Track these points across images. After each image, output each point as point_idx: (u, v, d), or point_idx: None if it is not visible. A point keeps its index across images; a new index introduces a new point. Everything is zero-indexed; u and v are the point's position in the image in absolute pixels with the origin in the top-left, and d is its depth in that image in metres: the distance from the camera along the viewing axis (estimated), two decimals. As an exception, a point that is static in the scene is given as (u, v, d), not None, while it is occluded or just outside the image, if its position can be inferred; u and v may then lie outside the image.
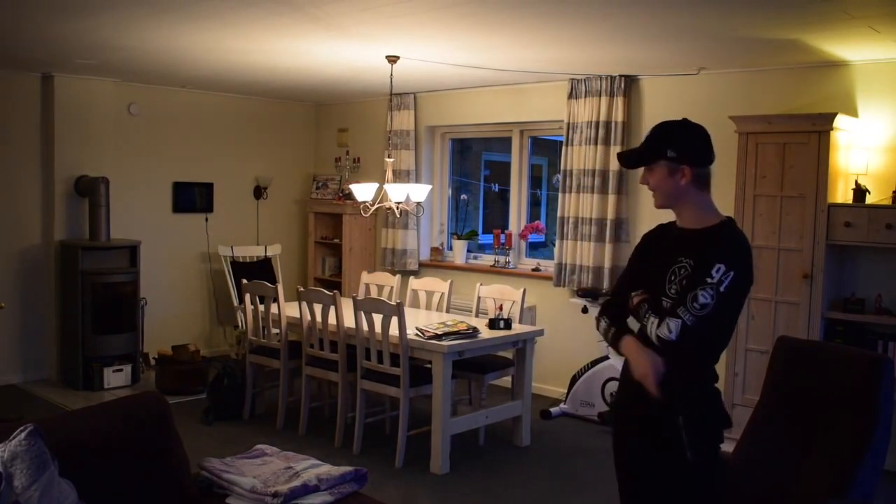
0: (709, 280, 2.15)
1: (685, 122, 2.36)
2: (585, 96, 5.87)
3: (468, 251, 7.05)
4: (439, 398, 4.47)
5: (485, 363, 5.00)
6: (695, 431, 2.23)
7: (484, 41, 4.66)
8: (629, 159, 2.49)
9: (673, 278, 2.27)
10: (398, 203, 5.25)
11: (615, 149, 5.71)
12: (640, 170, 2.45)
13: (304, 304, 5.02)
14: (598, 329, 2.48)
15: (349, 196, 6.84)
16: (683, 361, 2.23)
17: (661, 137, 2.33)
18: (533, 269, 6.49)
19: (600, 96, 5.78)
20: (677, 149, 2.28)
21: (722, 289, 2.15)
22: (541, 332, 5.16)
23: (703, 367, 2.31)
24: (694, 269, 2.22)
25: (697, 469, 2.24)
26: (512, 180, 6.79)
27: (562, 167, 6.05)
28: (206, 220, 7.36)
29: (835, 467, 2.52)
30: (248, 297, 5.42)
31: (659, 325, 2.20)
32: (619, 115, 5.71)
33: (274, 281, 6.56)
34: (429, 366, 4.59)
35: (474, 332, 4.64)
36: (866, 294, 4.70)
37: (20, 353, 6.36)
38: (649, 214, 5.72)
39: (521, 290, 5.25)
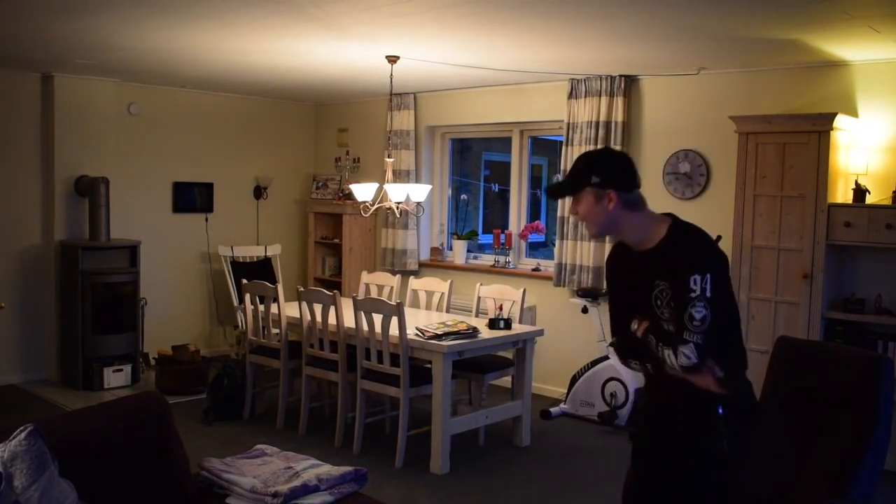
0: (692, 295, 2.16)
1: (607, 149, 2.48)
2: (585, 96, 5.87)
3: (468, 251, 7.05)
4: (439, 398, 4.47)
5: (485, 363, 5.00)
6: (732, 422, 2.24)
7: (484, 41, 4.66)
8: (556, 192, 2.64)
9: (659, 303, 2.27)
10: (398, 203, 5.25)
11: (616, 148, 5.71)
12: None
13: (304, 304, 5.02)
14: (637, 370, 2.49)
15: (349, 196, 6.84)
16: (716, 363, 2.23)
17: (585, 166, 2.37)
18: (533, 269, 6.49)
19: (600, 96, 5.78)
20: (601, 174, 2.31)
21: (708, 294, 2.16)
22: (541, 332, 5.16)
23: (733, 355, 2.31)
24: (673, 290, 2.22)
25: (733, 459, 2.26)
26: (512, 180, 6.79)
27: (562, 167, 6.05)
28: (206, 220, 7.36)
29: (835, 467, 2.52)
30: (248, 297, 5.42)
31: (676, 356, 2.19)
32: (619, 115, 5.71)
33: (274, 281, 6.56)
34: (429, 366, 4.59)
35: (474, 332, 4.64)
36: (866, 294, 4.70)
37: (20, 353, 6.36)
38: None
39: (521, 290, 5.25)
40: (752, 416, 2.37)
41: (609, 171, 2.33)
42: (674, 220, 2.34)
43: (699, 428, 2.27)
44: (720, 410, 2.22)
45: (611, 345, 2.52)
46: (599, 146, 5.76)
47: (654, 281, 2.28)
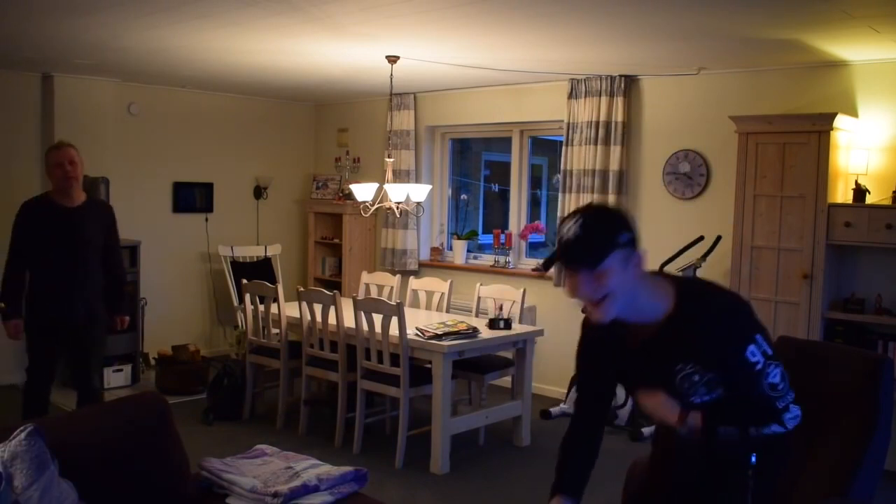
0: (759, 368, 1.88)
1: (607, 204, 2.07)
2: (585, 96, 5.87)
3: (468, 251, 7.05)
4: (439, 398, 4.47)
5: (485, 363, 5.00)
6: (763, 471, 2.01)
7: (484, 41, 4.66)
8: (573, 260, 1.83)
9: (689, 388, 1.95)
10: (398, 203, 5.25)
11: (615, 149, 5.71)
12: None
13: (304, 304, 5.02)
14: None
15: (349, 196, 6.84)
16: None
17: (609, 223, 1.83)
18: (533, 269, 6.49)
19: (600, 96, 5.78)
20: (631, 230, 1.82)
21: (769, 352, 1.90)
22: (541, 332, 5.15)
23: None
24: (722, 372, 1.90)
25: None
26: (512, 180, 6.79)
27: (562, 167, 6.05)
28: (206, 220, 7.36)
29: (835, 467, 2.51)
30: (248, 297, 5.42)
31: (784, 425, 1.93)
32: (619, 115, 5.71)
33: (274, 281, 6.56)
34: (429, 366, 4.59)
35: (474, 332, 4.64)
36: (866, 294, 4.70)
37: (20, 353, 6.33)
38: (648, 215, 5.72)
39: (521, 290, 5.25)
40: (783, 460, 2.13)
41: (634, 225, 1.84)
42: (677, 288, 1.93)
43: (727, 483, 2.03)
44: (753, 459, 1.98)
45: (576, 406, 2.27)
46: (600, 146, 5.77)
47: (674, 367, 1.92)
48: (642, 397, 2.02)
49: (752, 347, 1.88)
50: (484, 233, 7.37)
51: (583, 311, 1.97)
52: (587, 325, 2.13)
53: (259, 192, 7.76)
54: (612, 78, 5.73)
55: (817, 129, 4.57)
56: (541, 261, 6.49)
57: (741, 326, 1.90)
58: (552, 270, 6.13)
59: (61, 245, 4.20)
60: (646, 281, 1.90)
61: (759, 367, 1.88)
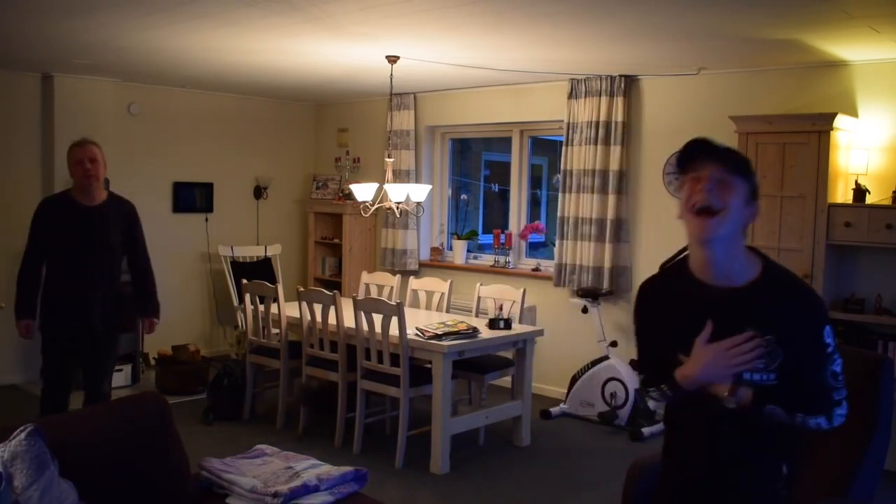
0: (829, 350, 1.90)
1: None
2: (585, 96, 5.87)
3: (468, 251, 7.05)
4: (439, 398, 4.47)
5: (485, 363, 5.00)
6: (792, 481, 2.00)
7: (484, 41, 4.66)
8: (716, 151, 1.89)
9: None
10: (398, 203, 5.25)
11: (615, 149, 5.71)
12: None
13: (304, 304, 5.02)
14: (651, 405, 2.17)
15: (349, 196, 6.84)
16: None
17: (745, 160, 1.96)
18: (533, 269, 6.49)
19: (600, 96, 5.78)
20: (757, 181, 1.95)
21: (836, 342, 1.93)
22: (541, 332, 5.15)
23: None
24: (792, 345, 1.87)
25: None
26: (512, 180, 6.79)
27: (562, 167, 6.05)
28: (206, 220, 7.36)
29: (835, 467, 2.51)
30: (248, 297, 5.42)
31: (831, 419, 1.92)
32: (619, 115, 5.71)
33: (274, 281, 6.56)
34: (429, 366, 4.59)
35: (474, 332, 4.64)
36: (866, 294, 4.70)
37: (20, 353, 6.35)
38: (648, 215, 5.72)
39: (521, 290, 5.25)
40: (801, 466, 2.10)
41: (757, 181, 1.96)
42: (764, 259, 1.98)
43: (759, 494, 1.99)
44: (784, 469, 1.97)
45: (642, 387, 2.12)
46: (600, 146, 5.77)
47: (741, 328, 1.87)
48: (699, 351, 1.90)
49: (828, 328, 1.91)
50: (484, 233, 7.37)
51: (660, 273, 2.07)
52: (652, 285, 2.11)
53: (259, 192, 7.76)
54: (612, 78, 5.73)
55: (817, 129, 4.57)
56: (538, 261, 6.52)
57: (822, 308, 1.96)
58: (552, 270, 6.14)
59: (79, 245, 4.06)
60: (744, 242, 1.94)
61: (829, 349, 1.90)
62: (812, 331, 1.90)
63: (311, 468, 2.80)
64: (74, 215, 4.06)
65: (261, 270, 7.15)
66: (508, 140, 6.81)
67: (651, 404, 1.93)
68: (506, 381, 5.36)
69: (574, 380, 5.72)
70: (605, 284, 5.73)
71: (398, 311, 4.50)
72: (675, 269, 2.06)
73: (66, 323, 4.09)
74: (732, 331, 1.87)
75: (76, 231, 4.06)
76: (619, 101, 5.72)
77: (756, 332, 1.86)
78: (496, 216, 7.39)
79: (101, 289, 4.14)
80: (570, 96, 5.96)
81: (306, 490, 2.62)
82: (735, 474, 1.97)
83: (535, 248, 6.92)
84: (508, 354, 5.22)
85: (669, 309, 2.04)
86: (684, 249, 2.01)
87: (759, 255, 1.98)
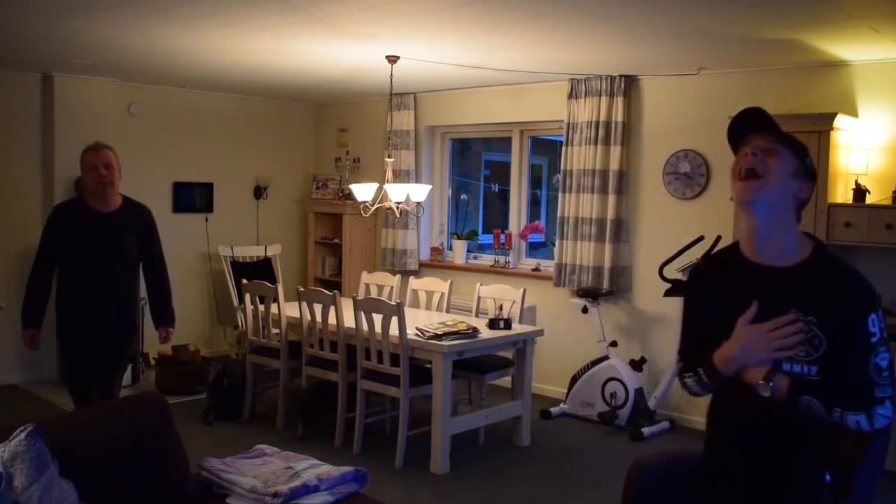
0: (874, 340, 1.82)
1: None
2: (585, 96, 5.87)
3: (468, 251, 7.05)
4: (439, 398, 4.47)
5: (485, 363, 5.00)
6: (836, 491, 1.93)
7: (484, 41, 4.66)
8: (766, 121, 2.03)
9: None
10: (398, 203, 5.25)
11: (615, 149, 5.71)
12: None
13: (304, 304, 5.02)
14: (689, 392, 2.07)
15: (349, 196, 6.84)
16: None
17: (799, 141, 1.99)
18: (533, 269, 6.50)
19: (600, 96, 5.78)
20: (814, 167, 1.97)
21: (885, 334, 1.84)
22: (541, 332, 5.15)
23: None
24: (834, 330, 1.81)
25: None
26: (512, 180, 6.79)
27: (562, 167, 6.05)
28: (206, 220, 7.36)
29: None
30: (248, 297, 5.42)
31: (872, 419, 1.83)
32: (619, 115, 5.71)
33: (274, 281, 6.56)
34: (429, 366, 4.59)
35: (474, 332, 4.64)
36: (866, 294, 4.69)
37: (20, 353, 6.35)
38: (648, 215, 5.72)
39: (521, 290, 5.25)
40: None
41: (815, 171, 2.01)
42: (816, 242, 1.95)
43: (798, 500, 1.92)
44: (828, 478, 1.90)
45: (680, 375, 2.09)
46: (600, 146, 5.77)
47: (786, 308, 1.84)
48: (739, 331, 1.87)
49: (873, 316, 1.83)
50: (484, 233, 7.38)
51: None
52: (702, 268, 2.13)
53: (259, 192, 7.76)
54: (612, 78, 5.73)
55: (817, 129, 4.57)
56: (538, 261, 6.52)
57: (869, 293, 1.87)
58: (552, 270, 6.14)
59: (92, 253, 3.90)
60: (795, 221, 1.92)
61: (874, 339, 1.82)
62: (855, 315, 1.82)
63: (311, 468, 2.80)
64: (89, 222, 3.91)
65: (261, 270, 7.15)
66: (508, 140, 6.81)
67: (685, 392, 1.85)
68: (506, 381, 5.35)
69: (574, 380, 5.72)
70: (605, 284, 5.73)
71: (398, 311, 4.50)
72: (726, 251, 2.07)
73: (84, 332, 3.96)
74: (777, 312, 1.83)
75: (92, 238, 3.91)
76: (618, 101, 5.72)
77: (799, 313, 1.81)
78: (496, 216, 7.39)
79: (119, 297, 3.99)
80: (569, 96, 5.97)
81: (306, 490, 2.62)
82: (771, 476, 1.90)
83: (535, 248, 6.92)
84: (508, 354, 5.22)
85: (717, 291, 2.01)
86: (700, 238, 2.02)
87: (813, 239, 1.96)
